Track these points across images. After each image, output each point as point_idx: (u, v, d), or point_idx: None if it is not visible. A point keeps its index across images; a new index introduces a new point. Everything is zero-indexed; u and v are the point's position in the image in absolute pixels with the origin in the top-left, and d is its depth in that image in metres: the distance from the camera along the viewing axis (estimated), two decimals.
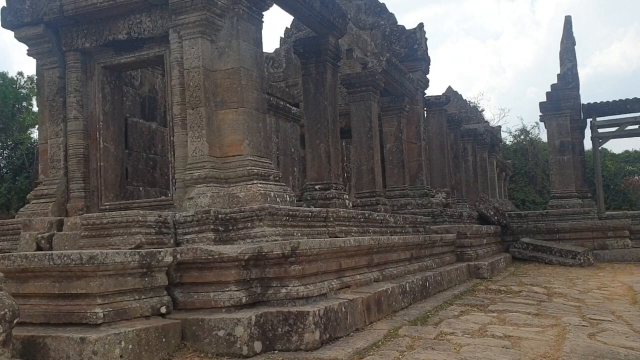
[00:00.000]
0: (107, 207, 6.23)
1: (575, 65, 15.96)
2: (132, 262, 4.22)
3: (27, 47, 6.53)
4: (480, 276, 9.55)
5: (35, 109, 20.63)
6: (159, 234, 5.17)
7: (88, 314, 3.94)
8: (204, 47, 5.81)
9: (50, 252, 4.16)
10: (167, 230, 5.22)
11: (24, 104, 21.77)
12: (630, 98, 16.28)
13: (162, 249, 4.59)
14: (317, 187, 8.05)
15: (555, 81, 15.88)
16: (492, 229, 12.74)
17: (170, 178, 6.10)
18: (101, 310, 3.95)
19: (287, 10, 7.49)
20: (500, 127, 28.02)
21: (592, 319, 5.94)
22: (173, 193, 5.95)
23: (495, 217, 13.54)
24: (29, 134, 19.92)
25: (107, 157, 6.46)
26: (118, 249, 4.82)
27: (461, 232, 10.18)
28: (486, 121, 26.75)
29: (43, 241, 5.63)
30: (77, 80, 6.39)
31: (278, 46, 13.85)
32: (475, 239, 10.70)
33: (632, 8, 76.38)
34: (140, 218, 5.04)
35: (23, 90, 21.83)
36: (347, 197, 8.34)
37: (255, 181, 5.65)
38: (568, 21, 16.64)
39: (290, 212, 5.45)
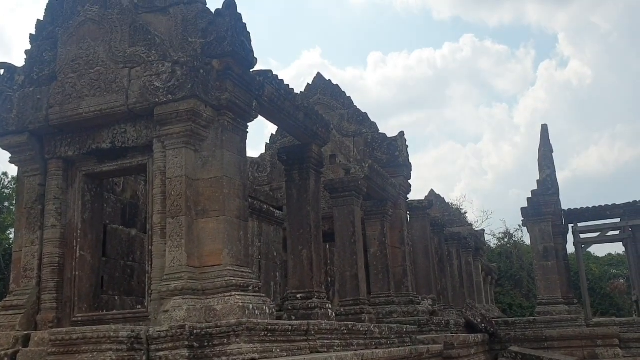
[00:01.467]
0: (80, 319, 5.98)
1: (554, 171, 16.34)
2: None
3: (9, 155, 6.54)
4: None
5: None
6: (131, 350, 4.92)
7: None
8: (187, 156, 5.85)
9: None
10: (139, 347, 4.98)
11: (6, 204, 21.57)
12: (610, 204, 16.56)
13: None
14: (298, 295, 7.84)
15: (535, 187, 16.16)
16: (479, 337, 12.39)
17: (147, 289, 5.92)
18: None
19: (272, 121, 7.67)
20: (483, 230, 28.20)
21: None
22: (149, 305, 5.75)
23: (483, 325, 13.22)
24: (8, 234, 19.56)
25: (83, 266, 6.28)
26: None
27: (448, 343, 9.86)
28: (470, 224, 26.93)
29: (6, 359, 5.32)
30: (57, 187, 6.34)
31: (263, 151, 14.07)
32: (462, 349, 10.36)
33: (606, 115, 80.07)
34: (112, 334, 4.82)
35: (6, 190, 21.72)
36: (330, 306, 8.13)
37: (234, 293, 5.49)
38: (544, 129, 17.24)
39: (269, 327, 5.25)
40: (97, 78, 6.18)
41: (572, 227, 16.47)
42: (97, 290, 6.47)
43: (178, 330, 4.93)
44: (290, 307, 7.71)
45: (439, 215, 18.97)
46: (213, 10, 6.15)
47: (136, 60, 6.09)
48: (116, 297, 7.78)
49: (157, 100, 5.84)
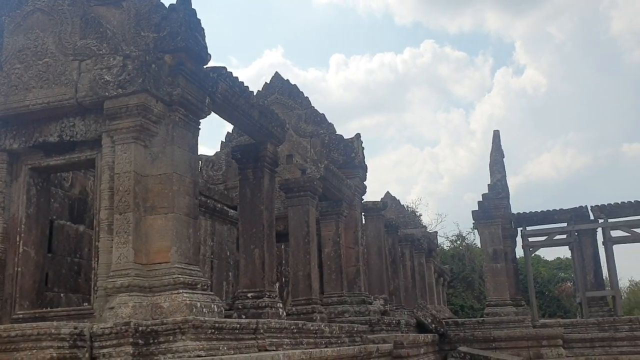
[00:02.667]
0: (21, 316, 5.82)
1: (505, 176, 16.76)
2: None
3: None
4: None
5: None
6: (74, 347, 4.82)
7: None
8: (136, 152, 5.76)
9: None
10: (82, 344, 4.88)
11: None
12: (557, 209, 17.10)
13: None
14: (249, 295, 7.82)
15: (487, 191, 16.54)
16: (429, 337, 12.60)
17: (93, 285, 5.81)
18: None
19: (225, 119, 7.63)
20: (437, 232, 28.63)
21: None
22: (94, 302, 5.65)
23: (433, 325, 13.45)
24: None
25: (26, 262, 6.11)
26: None
27: (398, 342, 10.00)
28: (424, 226, 27.35)
29: None
30: (0, 181, 6.16)
31: (219, 149, 13.95)
32: (412, 348, 10.52)
33: (559, 123, 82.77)
34: (53, 330, 4.71)
35: None
36: (281, 305, 8.13)
37: (181, 290, 5.44)
38: (496, 135, 17.66)
39: (217, 325, 5.22)
40: (45, 70, 6.04)
41: (521, 230, 16.92)
42: (41, 287, 6.31)
43: (123, 327, 4.86)
44: (240, 306, 7.69)
45: (394, 216, 19.23)
46: (167, 5, 6.10)
47: (87, 53, 5.98)
48: (62, 295, 7.60)
49: (106, 94, 5.74)
